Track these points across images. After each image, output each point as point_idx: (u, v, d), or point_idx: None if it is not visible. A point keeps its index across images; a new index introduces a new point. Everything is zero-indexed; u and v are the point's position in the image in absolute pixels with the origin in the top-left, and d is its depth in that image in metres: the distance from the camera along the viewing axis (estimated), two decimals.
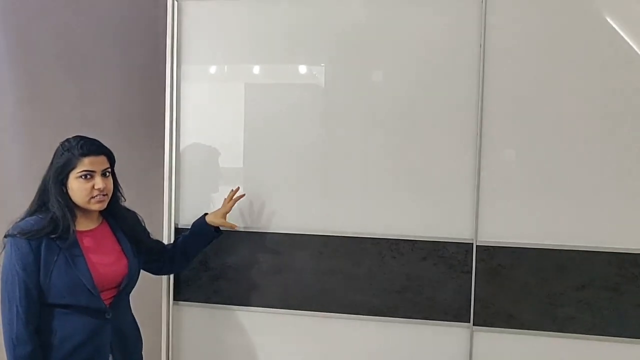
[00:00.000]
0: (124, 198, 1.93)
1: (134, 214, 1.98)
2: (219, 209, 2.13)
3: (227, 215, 2.13)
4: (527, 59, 2.02)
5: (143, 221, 2.00)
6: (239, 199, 2.16)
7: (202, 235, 2.12)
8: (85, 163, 1.77)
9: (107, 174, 1.82)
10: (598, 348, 2.03)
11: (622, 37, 1.96)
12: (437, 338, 2.13)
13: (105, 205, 1.83)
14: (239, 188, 2.16)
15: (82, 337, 1.76)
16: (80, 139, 1.80)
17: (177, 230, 2.27)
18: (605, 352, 2.02)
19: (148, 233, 2.02)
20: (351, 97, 2.15)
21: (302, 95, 2.20)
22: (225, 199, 2.15)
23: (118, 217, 1.91)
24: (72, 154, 1.76)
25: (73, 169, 1.76)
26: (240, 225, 2.22)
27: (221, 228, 2.14)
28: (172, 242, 2.23)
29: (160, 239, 2.19)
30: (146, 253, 1.98)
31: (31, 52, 2.59)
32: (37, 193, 1.80)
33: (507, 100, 2.04)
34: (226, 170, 2.27)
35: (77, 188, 1.77)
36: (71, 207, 1.77)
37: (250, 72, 2.25)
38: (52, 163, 1.79)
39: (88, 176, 1.77)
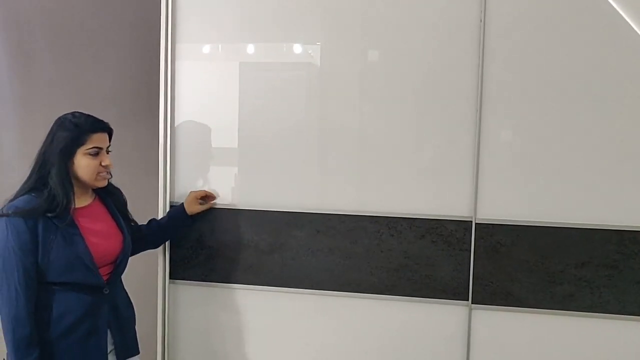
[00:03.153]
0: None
1: (120, 191, 1.98)
2: (190, 202, 2.15)
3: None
4: (528, 37, 2.00)
5: (126, 200, 2.01)
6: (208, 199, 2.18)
7: (179, 222, 2.15)
8: (95, 140, 1.77)
9: (109, 151, 1.84)
10: (597, 326, 2.02)
11: (623, 17, 1.94)
12: (436, 316, 2.11)
13: (107, 182, 1.85)
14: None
15: (80, 313, 1.75)
16: (86, 115, 1.79)
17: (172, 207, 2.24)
18: (605, 330, 2.02)
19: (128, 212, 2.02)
20: (347, 75, 2.13)
21: (297, 74, 2.18)
22: (194, 193, 2.17)
23: (109, 194, 1.91)
24: (81, 129, 1.75)
25: (82, 145, 1.75)
26: (237, 204, 2.21)
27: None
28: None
29: (156, 216, 2.20)
30: (133, 230, 1.99)
31: (24, 29, 2.56)
32: (34, 167, 1.77)
33: (507, 78, 2.02)
34: (221, 149, 2.25)
35: (85, 165, 1.76)
36: (72, 183, 1.76)
37: (245, 51, 2.22)
38: (53, 137, 1.75)
39: (96, 153, 1.77)
